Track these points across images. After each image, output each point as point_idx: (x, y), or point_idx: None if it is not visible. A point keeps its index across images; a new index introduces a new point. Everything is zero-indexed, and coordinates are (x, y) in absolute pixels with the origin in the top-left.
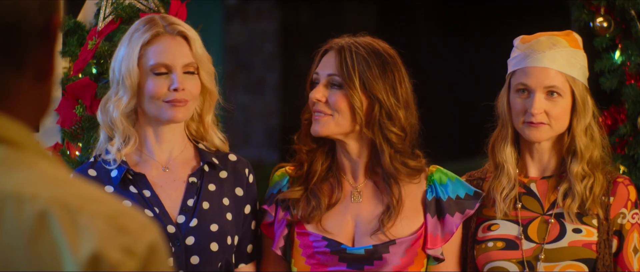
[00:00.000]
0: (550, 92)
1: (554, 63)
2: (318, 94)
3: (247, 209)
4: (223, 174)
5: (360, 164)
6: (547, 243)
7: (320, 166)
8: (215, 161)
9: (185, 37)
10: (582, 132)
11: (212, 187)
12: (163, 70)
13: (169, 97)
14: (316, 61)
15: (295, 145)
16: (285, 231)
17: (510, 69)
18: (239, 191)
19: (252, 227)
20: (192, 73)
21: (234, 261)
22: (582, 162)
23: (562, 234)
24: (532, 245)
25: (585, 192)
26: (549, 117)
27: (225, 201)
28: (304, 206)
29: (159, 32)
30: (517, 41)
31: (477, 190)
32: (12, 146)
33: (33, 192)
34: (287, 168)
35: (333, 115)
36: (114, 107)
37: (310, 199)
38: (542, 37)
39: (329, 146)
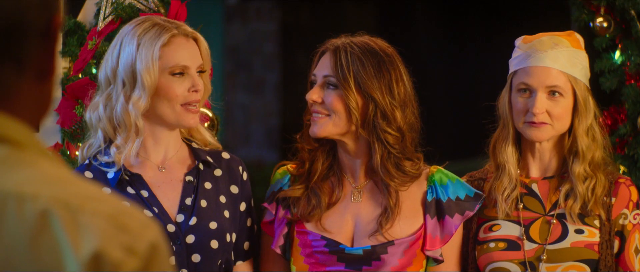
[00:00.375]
0: (552, 92)
1: (556, 63)
2: (314, 95)
3: (243, 206)
4: (218, 172)
5: (360, 164)
6: (549, 244)
7: (322, 165)
8: (210, 159)
9: (195, 39)
10: (584, 133)
11: (208, 185)
12: (180, 71)
13: (188, 98)
14: (314, 62)
15: (298, 144)
16: (285, 230)
17: (511, 69)
18: (234, 189)
19: (248, 224)
20: (201, 73)
21: (232, 258)
22: (584, 162)
23: (564, 234)
24: (534, 246)
25: (587, 193)
26: (550, 117)
27: (222, 199)
28: (304, 205)
29: (175, 33)
30: (518, 41)
31: (478, 191)
32: (13, 145)
33: (34, 191)
34: (288, 166)
35: (330, 115)
36: (133, 107)
37: (311, 198)
38: (544, 37)
39: (331, 145)
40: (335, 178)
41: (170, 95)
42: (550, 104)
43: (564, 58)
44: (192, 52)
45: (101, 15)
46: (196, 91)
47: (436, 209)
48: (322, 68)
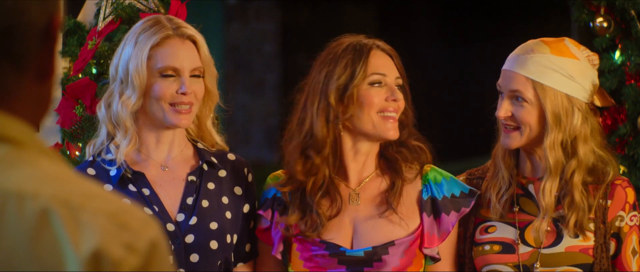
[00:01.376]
0: (516, 97)
1: (521, 68)
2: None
3: (246, 208)
4: (222, 173)
5: (372, 155)
6: (544, 248)
7: (314, 185)
8: (214, 160)
9: (194, 41)
10: (550, 146)
11: (211, 185)
12: (171, 73)
13: (175, 99)
14: (363, 62)
15: (285, 171)
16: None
17: None
18: (238, 190)
19: (250, 226)
20: (198, 76)
21: (232, 259)
22: (555, 178)
23: (558, 239)
24: (529, 249)
25: (578, 210)
26: (516, 121)
27: (225, 200)
28: (305, 227)
29: (169, 34)
30: None
31: (472, 188)
32: (13, 144)
33: (35, 189)
34: (280, 172)
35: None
36: (122, 105)
37: (312, 218)
38: (531, 41)
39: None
40: (332, 187)
41: (157, 95)
42: (515, 108)
43: (533, 65)
44: (185, 54)
45: (101, 15)
46: (184, 94)
47: (432, 207)
48: (390, 70)
